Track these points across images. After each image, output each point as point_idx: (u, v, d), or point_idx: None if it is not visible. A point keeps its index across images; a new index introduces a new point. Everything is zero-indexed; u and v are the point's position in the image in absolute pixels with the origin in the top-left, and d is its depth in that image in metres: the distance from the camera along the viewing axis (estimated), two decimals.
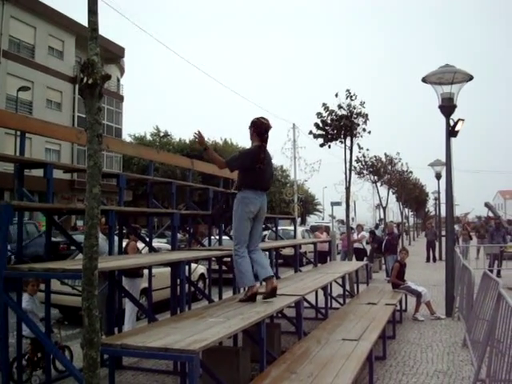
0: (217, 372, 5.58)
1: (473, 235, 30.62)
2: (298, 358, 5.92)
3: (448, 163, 12.40)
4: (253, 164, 6.38)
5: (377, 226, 28.05)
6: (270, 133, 6.67)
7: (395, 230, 20.60)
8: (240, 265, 6.41)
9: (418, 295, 11.59)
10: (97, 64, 3.51)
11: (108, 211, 6.43)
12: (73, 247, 23.44)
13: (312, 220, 75.49)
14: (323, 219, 71.81)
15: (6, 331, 5.17)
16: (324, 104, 13.59)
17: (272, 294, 6.55)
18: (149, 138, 60.11)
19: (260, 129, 6.54)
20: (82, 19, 41.20)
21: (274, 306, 6.16)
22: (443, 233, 21.60)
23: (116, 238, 7.53)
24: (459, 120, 11.94)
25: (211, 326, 4.88)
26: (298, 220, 33.02)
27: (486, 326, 6.82)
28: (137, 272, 9.42)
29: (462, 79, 11.92)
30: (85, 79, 3.50)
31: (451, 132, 11.99)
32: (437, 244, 28.39)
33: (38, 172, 6.82)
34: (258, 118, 6.63)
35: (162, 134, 59.39)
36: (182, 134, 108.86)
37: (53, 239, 8.17)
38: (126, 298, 8.63)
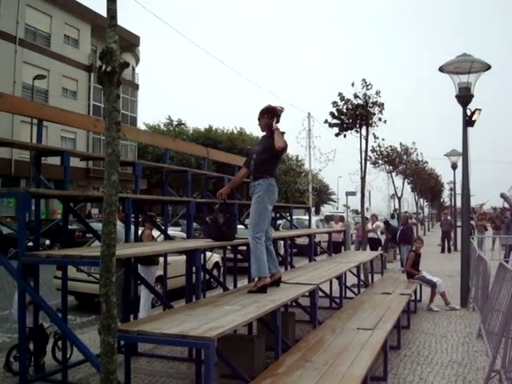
0: (231, 360, 5.60)
1: (488, 226, 30.47)
2: (313, 346, 5.93)
3: (465, 153, 12.33)
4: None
5: (393, 216, 27.90)
6: (285, 119, 6.67)
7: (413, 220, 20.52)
8: (262, 253, 6.32)
9: (433, 285, 11.56)
10: (115, 52, 3.52)
11: (124, 199, 6.46)
12: (88, 235, 23.70)
13: (326, 210, 75.42)
14: (337, 209, 71.78)
15: (24, 317, 5.23)
16: (340, 93, 13.53)
17: (277, 283, 6.63)
18: (163, 127, 60.13)
19: (276, 112, 6.52)
20: (98, 8, 41.36)
21: (289, 295, 6.16)
22: (458, 223, 21.50)
23: (132, 226, 7.57)
24: (476, 110, 11.85)
25: (227, 314, 4.91)
26: (313, 210, 33.00)
27: (501, 317, 6.79)
28: (152, 259, 9.47)
29: (479, 69, 11.81)
30: (103, 67, 3.51)
31: (468, 122, 11.91)
32: (452, 234, 28.27)
33: (53, 160, 6.85)
34: (270, 105, 6.60)
35: (175, 124, 59.32)
36: (197, 122, 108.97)
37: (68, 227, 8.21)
38: (142, 286, 8.69)
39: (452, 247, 27.59)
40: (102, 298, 3.50)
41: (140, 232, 9.23)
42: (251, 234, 6.41)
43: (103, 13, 3.56)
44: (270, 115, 6.51)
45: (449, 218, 31.35)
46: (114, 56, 3.51)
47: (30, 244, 6.23)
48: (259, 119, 6.62)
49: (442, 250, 27.09)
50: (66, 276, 6.80)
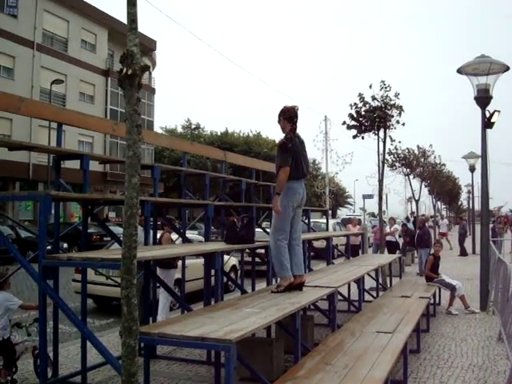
0: (250, 363, 5.59)
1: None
2: (333, 349, 5.90)
3: (484, 156, 12.20)
4: (291, 149, 6.35)
5: (408, 219, 27.69)
6: (302, 123, 6.63)
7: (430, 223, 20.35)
8: (283, 256, 6.36)
9: (452, 289, 11.46)
10: (136, 55, 3.53)
11: (144, 202, 6.47)
12: (106, 238, 23.81)
13: (343, 213, 75.20)
14: (354, 212, 71.54)
15: (45, 319, 5.26)
16: (360, 94, 13.48)
17: (299, 287, 6.58)
18: (180, 130, 60.26)
19: (290, 113, 6.48)
20: (115, 13, 41.63)
21: (308, 297, 6.14)
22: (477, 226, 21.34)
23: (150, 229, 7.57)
24: (495, 111, 11.75)
25: (247, 317, 4.89)
26: (329, 213, 32.90)
27: None
28: (171, 263, 9.50)
29: (498, 70, 11.71)
30: (124, 70, 3.53)
31: (487, 124, 11.81)
32: (467, 238, 28.08)
33: (70, 164, 6.86)
34: (285, 106, 6.58)
35: (193, 126, 59.43)
36: (213, 126, 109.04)
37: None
38: (160, 289, 8.73)
39: (469, 251, 27.29)
40: (123, 301, 3.51)
41: (159, 235, 9.27)
42: (272, 236, 6.50)
43: (120, 17, 3.60)
44: (284, 116, 6.49)
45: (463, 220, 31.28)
46: (134, 59, 3.53)
47: (49, 247, 6.26)
48: (278, 122, 6.61)
49: (461, 254, 26.82)
50: (86, 279, 6.82)
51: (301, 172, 6.50)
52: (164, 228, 10.03)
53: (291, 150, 6.36)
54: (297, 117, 6.53)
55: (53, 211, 6.86)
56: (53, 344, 6.48)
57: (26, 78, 35.15)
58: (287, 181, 6.37)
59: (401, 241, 21.48)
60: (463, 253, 26.77)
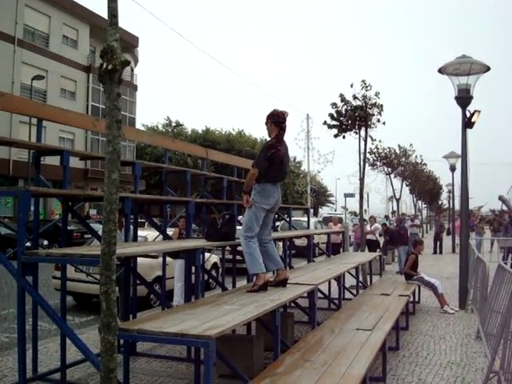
0: (230, 360, 5.60)
1: (486, 228, 30.61)
2: (312, 346, 5.93)
3: (464, 155, 12.31)
4: (272, 156, 6.31)
5: (386, 218, 27.97)
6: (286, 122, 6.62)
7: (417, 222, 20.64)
8: (254, 251, 6.29)
9: (434, 288, 11.53)
10: (116, 50, 3.51)
11: (124, 198, 6.44)
12: (87, 236, 23.66)
13: (324, 211, 75.35)
14: (335, 211, 71.82)
15: (24, 316, 5.22)
16: (341, 95, 13.51)
17: (282, 283, 6.58)
18: (161, 128, 60.02)
19: (279, 118, 6.46)
20: (96, 8, 41.41)
21: (288, 295, 6.15)
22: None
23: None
24: (475, 111, 11.85)
25: (226, 313, 4.90)
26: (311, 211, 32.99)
27: (500, 319, 6.79)
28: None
29: (478, 70, 11.82)
30: (104, 65, 3.51)
31: (467, 123, 11.91)
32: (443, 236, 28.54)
33: (51, 160, 6.79)
34: (275, 110, 6.58)
35: (173, 125, 59.13)
36: (195, 124, 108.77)
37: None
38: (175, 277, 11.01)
39: (442, 249, 27.70)
40: (102, 296, 3.49)
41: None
42: (242, 234, 6.44)
43: (102, 13, 3.58)
44: (273, 120, 6.48)
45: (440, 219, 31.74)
46: (115, 54, 3.51)
47: (29, 244, 6.20)
48: (266, 124, 6.59)
49: (434, 251, 27.23)
50: (65, 275, 6.78)
51: (281, 176, 6.56)
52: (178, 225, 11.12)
53: (275, 155, 6.32)
54: (285, 122, 6.50)
55: (32, 208, 6.82)
56: (32, 341, 6.44)
57: (6, 74, 34.79)
58: (264, 182, 6.37)
59: (381, 239, 21.63)
60: (436, 251, 27.33)
